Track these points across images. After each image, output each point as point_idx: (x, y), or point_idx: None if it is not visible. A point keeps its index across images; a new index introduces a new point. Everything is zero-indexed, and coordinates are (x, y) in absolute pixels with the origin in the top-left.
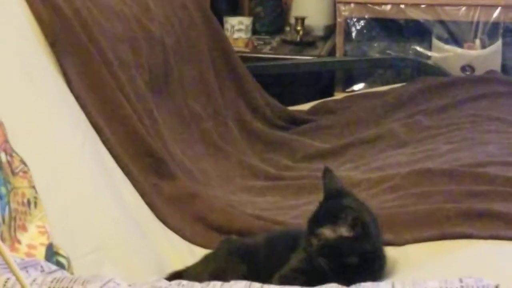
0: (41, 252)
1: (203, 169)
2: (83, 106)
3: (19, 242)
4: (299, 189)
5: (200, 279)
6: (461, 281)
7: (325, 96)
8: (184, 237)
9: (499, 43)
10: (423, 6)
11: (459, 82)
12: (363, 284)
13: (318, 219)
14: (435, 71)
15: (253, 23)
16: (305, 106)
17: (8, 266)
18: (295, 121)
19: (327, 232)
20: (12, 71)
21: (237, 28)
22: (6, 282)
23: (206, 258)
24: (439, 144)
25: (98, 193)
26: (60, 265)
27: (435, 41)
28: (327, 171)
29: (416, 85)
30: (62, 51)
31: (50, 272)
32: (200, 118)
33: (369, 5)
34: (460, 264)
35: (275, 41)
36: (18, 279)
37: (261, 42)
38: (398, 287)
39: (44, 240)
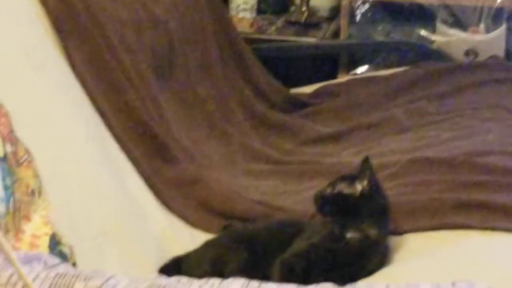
0: (45, 242)
1: (206, 152)
2: (87, 91)
3: (23, 232)
4: (300, 173)
5: (200, 266)
6: (453, 284)
7: (328, 78)
8: (186, 221)
9: (503, 28)
10: None
11: (462, 68)
12: (358, 283)
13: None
14: (439, 56)
15: (258, 3)
16: (308, 89)
17: (10, 262)
18: (298, 104)
19: (342, 185)
20: (17, 57)
21: (242, 7)
22: (10, 277)
23: (206, 245)
24: (440, 131)
25: (101, 178)
26: (62, 254)
27: (439, 25)
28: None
29: (418, 70)
30: (67, 36)
31: (53, 266)
32: (204, 101)
33: None
34: (456, 254)
35: (280, 21)
36: (20, 275)
37: (266, 22)
38: None
39: (48, 230)
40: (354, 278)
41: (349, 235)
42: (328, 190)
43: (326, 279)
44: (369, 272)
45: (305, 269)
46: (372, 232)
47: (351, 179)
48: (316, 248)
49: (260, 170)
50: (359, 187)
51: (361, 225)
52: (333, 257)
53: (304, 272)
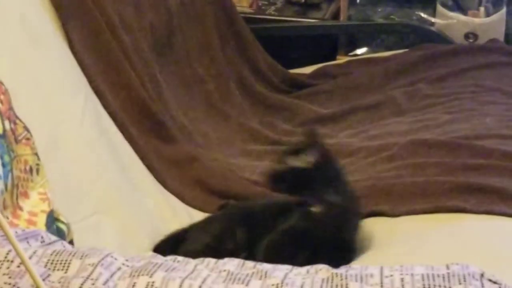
0: (42, 219)
1: (203, 131)
2: (85, 69)
3: (21, 209)
4: None
5: (199, 244)
6: (447, 267)
7: (327, 59)
8: (183, 200)
9: (503, 11)
10: None
11: (462, 50)
12: (353, 266)
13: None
14: (438, 38)
15: None
16: (307, 69)
17: (8, 239)
18: (297, 85)
19: (293, 160)
20: (16, 34)
21: None
22: (7, 254)
23: (205, 222)
24: (439, 113)
25: (97, 155)
26: (60, 231)
27: (440, 8)
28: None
29: (418, 52)
30: (66, 14)
31: (50, 243)
32: (202, 80)
33: None
34: (452, 237)
35: (280, 1)
36: (17, 253)
37: (265, 2)
38: (386, 271)
39: (45, 207)
40: (338, 252)
41: (314, 209)
42: (281, 167)
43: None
44: (348, 242)
45: (290, 251)
46: (335, 200)
47: (298, 152)
48: (292, 229)
49: (258, 150)
50: (311, 158)
51: (322, 196)
52: (310, 235)
53: (290, 254)
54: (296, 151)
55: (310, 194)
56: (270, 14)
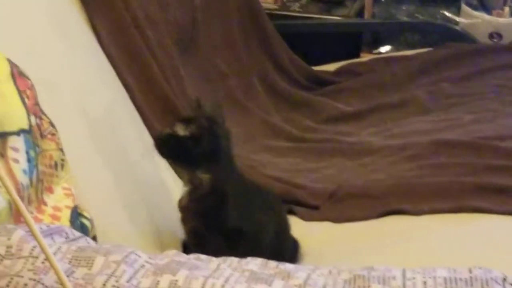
0: (66, 214)
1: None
2: (113, 63)
3: (45, 204)
4: (320, 152)
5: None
6: (470, 271)
7: (351, 57)
8: None
9: None
10: None
11: (486, 50)
12: (375, 267)
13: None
14: (463, 37)
15: None
16: (331, 67)
17: (33, 235)
18: (320, 82)
19: (179, 127)
20: (46, 29)
21: None
22: (32, 249)
23: None
24: (462, 113)
25: (123, 150)
26: (84, 227)
27: (464, 7)
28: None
29: (442, 51)
30: (92, 9)
31: (74, 239)
32: (225, 76)
33: None
34: (474, 238)
35: None
36: (42, 249)
37: None
38: (409, 274)
39: (69, 202)
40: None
41: (184, 186)
42: (166, 132)
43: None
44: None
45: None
46: (205, 178)
47: (187, 120)
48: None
49: (280, 147)
50: (190, 129)
51: (195, 172)
52: (189, 213)
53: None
54: (187, 120)
55: (188, 166)
56: (294, 11)
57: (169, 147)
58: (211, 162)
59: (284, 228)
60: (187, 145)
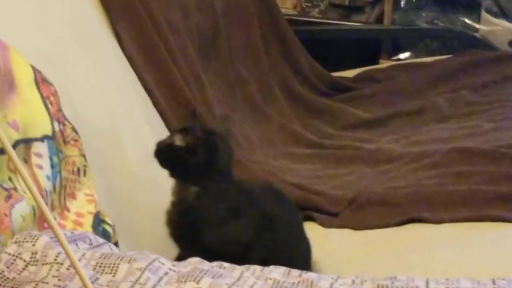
0: (88, 220)
1: (246, 133)
2: (135, 69)
3: (68, 210)
4: (339, 158)
5: None
6: (494, 282)
7: (370, 63)
8: None
9: None
10: None
11: (506, 57)
12: (398, 277)
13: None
14: (483, 44)
15: None
16: (350, 73)
17: (58, 242)
18: (339, 88)
19: (176, 136)
20: (67, 35)
21: None
22: (57, 256)
23: None
24: (482, 121)
25: (145, 155)
26: (106, 233)
27: (484, 14)
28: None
29: (462, 58)
30: (115, 15)
31: (98, 246)
32: (245, 82)
33: None
34: (495, 247)
35: (323, 3)
36: (68, 255)
37: (309, 4)
38: (432, 284)
39: (92, 208)
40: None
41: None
42: (164, 141)
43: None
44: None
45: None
46: (192, 190)
47: (186, 131)
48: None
49: (299, 153)
50: (185, 140)
51: (186, 183)
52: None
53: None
54: (185, 130)
55: (181, 177)
56: (313, 17)
57: (165, 157)
58: (204, 175)
59: (292, 246)
60: (181, 156)
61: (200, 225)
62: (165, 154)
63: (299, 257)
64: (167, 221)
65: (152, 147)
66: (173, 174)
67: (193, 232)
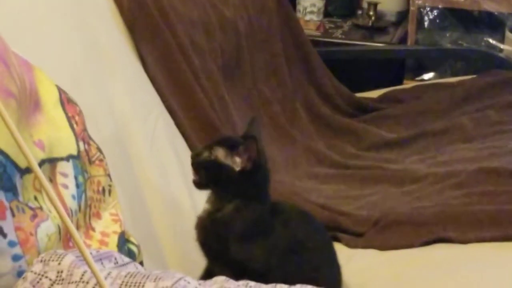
0: (113, 240)
1: (270, 153)
2: (158, 89)
3: (93, 229)
4: (364, 178)
5: None
6: None
7: (394, 83)
8: None
9: None
10: None
11: None
12: None
13: (220, 140)
14: (507, 64)
15: (325, 6)
16: (374, 93)
17: (85, 260)
18: (363, 108)
19: (220, 152)
20: (92, 57)
21: (309, 10)
22: (83, 275)
23: None
24: (507, 141)
25: (165, 177)
26: (131, 253)
27: (508, 34)
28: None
29: (486, 78)
30: (139, 35)
31: (124, 265)
32: (269, 102)
33: None
34: None
35: (347, 25)
36: (94, 273)
37: (333, 25)
38: None
39: (117, 228)
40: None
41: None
42: (205, 154)
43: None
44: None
45: None
46: (228, 205)
47: (232, 145)
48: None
49: (323, 173)
50: (239, 161)
51: (222, 196)
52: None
53: None
54: (229, 142)
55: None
56: (337, 38)
57: (208, 173)
58: (246, 190)
59: (318, 272)
60: (231, 176)
61: (231, 237)
62: (208, 170)
63: (324, 283)
64: (197, 226)
65: (174, 168)
66: (211, 187)
67: (222, 243)
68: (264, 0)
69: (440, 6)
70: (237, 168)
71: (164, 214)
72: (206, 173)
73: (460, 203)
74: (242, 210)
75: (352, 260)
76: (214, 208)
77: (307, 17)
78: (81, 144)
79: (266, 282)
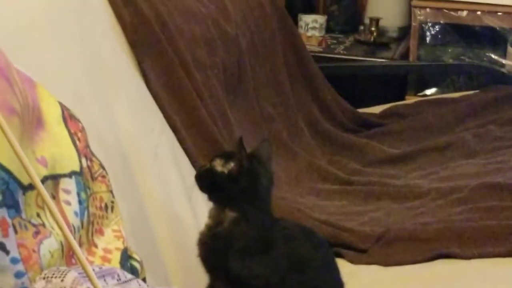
0: (116, 257)
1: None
2: (160, 105)
3: (96, 246)
4: (367, 194)
5: None
6: None
7: (396, 99)
8: None
9: None
10: (499, 13)
11: None
12: None
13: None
14: (509, 79)
15: (327, 22)
16: (376, 109)
17: (88, 277)
18: (366, 124)
19: (217, 161)
20: (93, 74)
21: (311, 26)
22: None
23: None
24: (510, 156)
25: (169, 194)
26: (134, 269)
27: (510, 49)
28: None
29: (488, 93)
30: (141, 51)
31: (126, 281)
32: (271, 118)
33: (445, 10)
34: None
35: (349, 40)
36: None
37: (335, 41)
38: None
39: (120, 244)
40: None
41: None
42: (206, 165)
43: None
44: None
45: None
46: (229, 216)
47: (228, 155)
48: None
49: (326, 189)
50: (229, 165)
51: (224, 208)
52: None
53: None
54: (227, 156)
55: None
56: (339, 53)
57: (205, 181)
58: (243, 201)
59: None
60: (223, 182)
61: (230, 252)
62: (206, 179)
63: None
64: (199, 241)
65: (177, 184)
66: (212, 198)
67: (222, 258)
68: (266, 16)
69: (442, 22)
70: (226, 171)
71: (166, 230)
72: (204, 183)
73: (463, 218)
74: (241, 224)
75: (355, 276)
76: (215, 222)
77: (309, 33)
78: (83, 160)
79: None
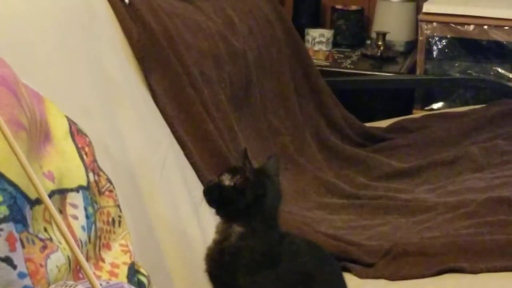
0: (123, 271)
1: None
2: (168, 120)
3: (103, 260)
4: (374, 208)
5: None
6: None
7: (403, 113)
8: None
9: None
10: (506, 28)
11: None
12: None
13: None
14: None
15: (334, 36)
16: (383, 123)
17: None
18: (372, 138)
19: (225, 176)
20: (100, 89)
21: (318, 40)
22: None
23: None
24: None
25: (177, 209)
26: (141, 284)
27: None
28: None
29: (496, 107)
30: (149, 66)
31: None
32: (278, 133)
33: (452, 24)
34: None
35: (355, 54)
36: None
37: (341, 55)
38: None
39: (127, 259)
40: None
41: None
42: (212, 181)
43: None
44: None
45: None
46: (236, 231)
47: (236, 170)
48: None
49: (333, 203)
50: (233, 180)
51: (232, 223)
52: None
53: None
54: (234, 170)
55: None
56: (346, 67)
57: (214, 196)
58: (250, 216)
59: None
60: (230, 196)
61: (238, 267)
62: (214, 193)
63: None
64: (206, 256)
65: (184, 199)
66: (219, 213)
67: (229, 273)
68: (273, 31)
69: (448, 36)
70: (232, 184)
71: (174, 245)
72: (212, 197)
73: (470, 233)
74: (248, 239)
75: None
76: (222, 237)
77: (316, 47)
78: (91, 175)
79: None
